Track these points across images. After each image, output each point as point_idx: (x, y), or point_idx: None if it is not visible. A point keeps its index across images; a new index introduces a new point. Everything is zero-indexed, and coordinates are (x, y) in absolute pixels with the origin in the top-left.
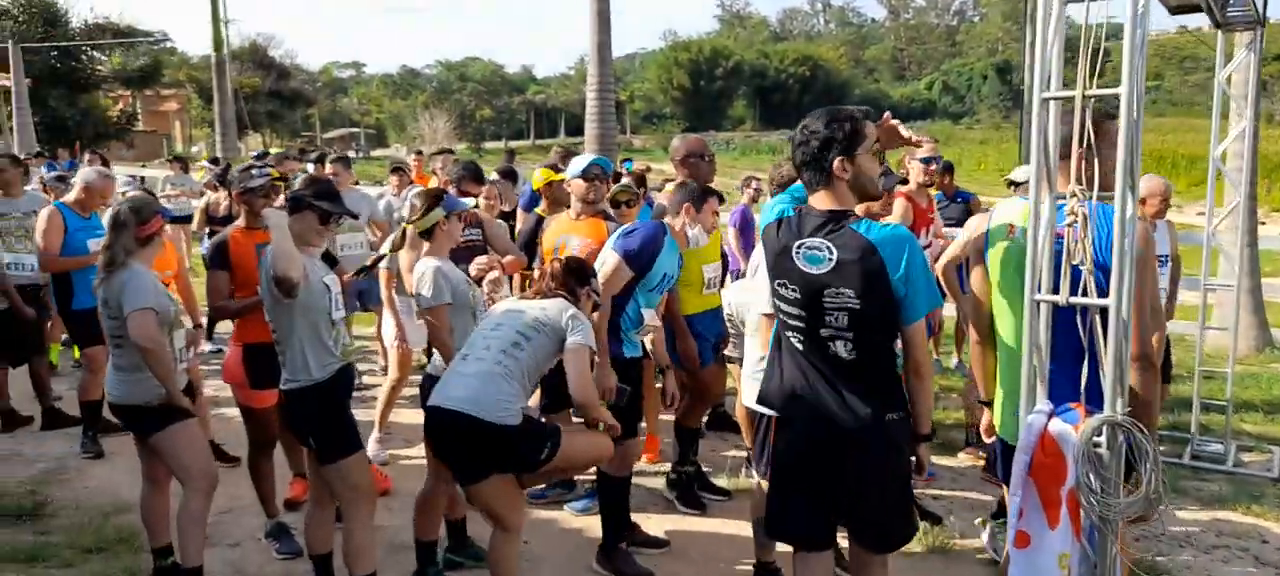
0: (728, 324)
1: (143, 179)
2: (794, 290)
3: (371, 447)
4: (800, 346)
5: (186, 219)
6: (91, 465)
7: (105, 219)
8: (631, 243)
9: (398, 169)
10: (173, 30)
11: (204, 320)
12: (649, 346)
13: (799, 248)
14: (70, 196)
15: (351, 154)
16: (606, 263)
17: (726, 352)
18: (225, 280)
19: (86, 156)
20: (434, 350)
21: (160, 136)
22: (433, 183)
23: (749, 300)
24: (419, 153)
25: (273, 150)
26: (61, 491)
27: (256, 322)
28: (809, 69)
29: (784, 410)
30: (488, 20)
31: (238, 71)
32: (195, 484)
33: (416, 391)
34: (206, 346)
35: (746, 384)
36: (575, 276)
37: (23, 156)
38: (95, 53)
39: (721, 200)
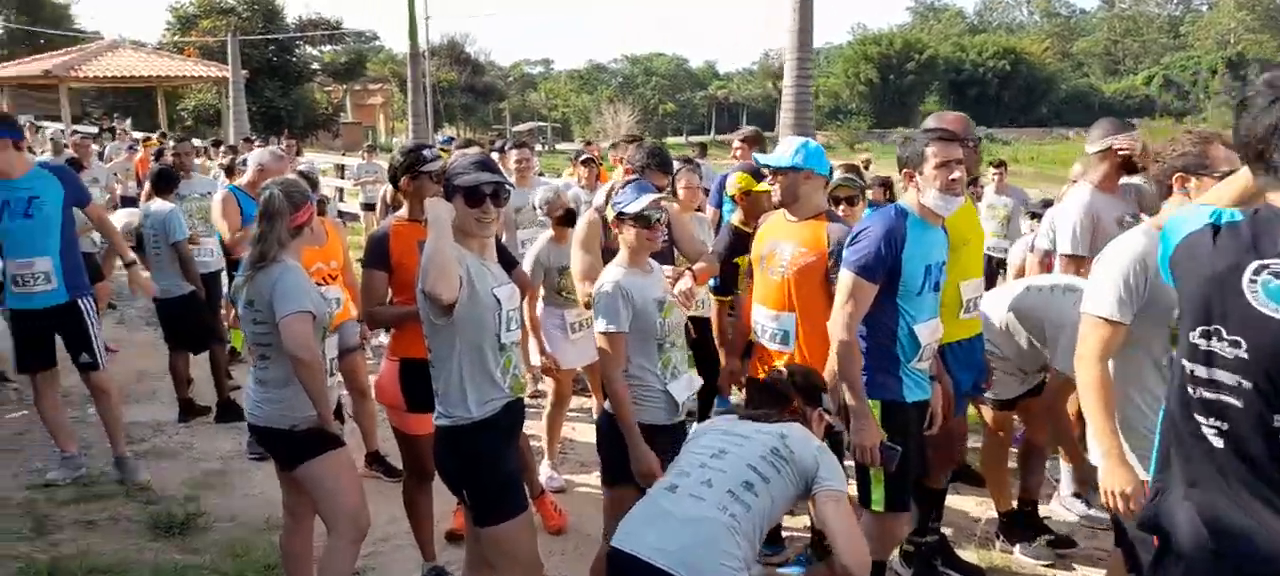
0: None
1: (342, 168)
2: (1236, 343)
3: (544, 472)
4: (1226, 442)
5: (371, 207)
6: (254, 470)
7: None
8: (862, 248)
9: (588, 161)
10: (381, 28)
11: None
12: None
13: (1259, 274)
14: (243, 179)
15: (538, 146)
16: (840, 285)
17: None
18: (383, 282)
19: (257, 142)
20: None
21: (364, 127)
22: (616, 175)
23: (1037, 305)
24: (588, 142)
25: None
26: (219, 500)
27: (415, 334)
28: (1010, 62)
29: (1191, 550)
30: (674, 13)
31: (436, 67)
32: (342, 530)
33: (589, 402)
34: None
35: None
36: (805, 394)
37: (238, 143)
38: (308, 47)
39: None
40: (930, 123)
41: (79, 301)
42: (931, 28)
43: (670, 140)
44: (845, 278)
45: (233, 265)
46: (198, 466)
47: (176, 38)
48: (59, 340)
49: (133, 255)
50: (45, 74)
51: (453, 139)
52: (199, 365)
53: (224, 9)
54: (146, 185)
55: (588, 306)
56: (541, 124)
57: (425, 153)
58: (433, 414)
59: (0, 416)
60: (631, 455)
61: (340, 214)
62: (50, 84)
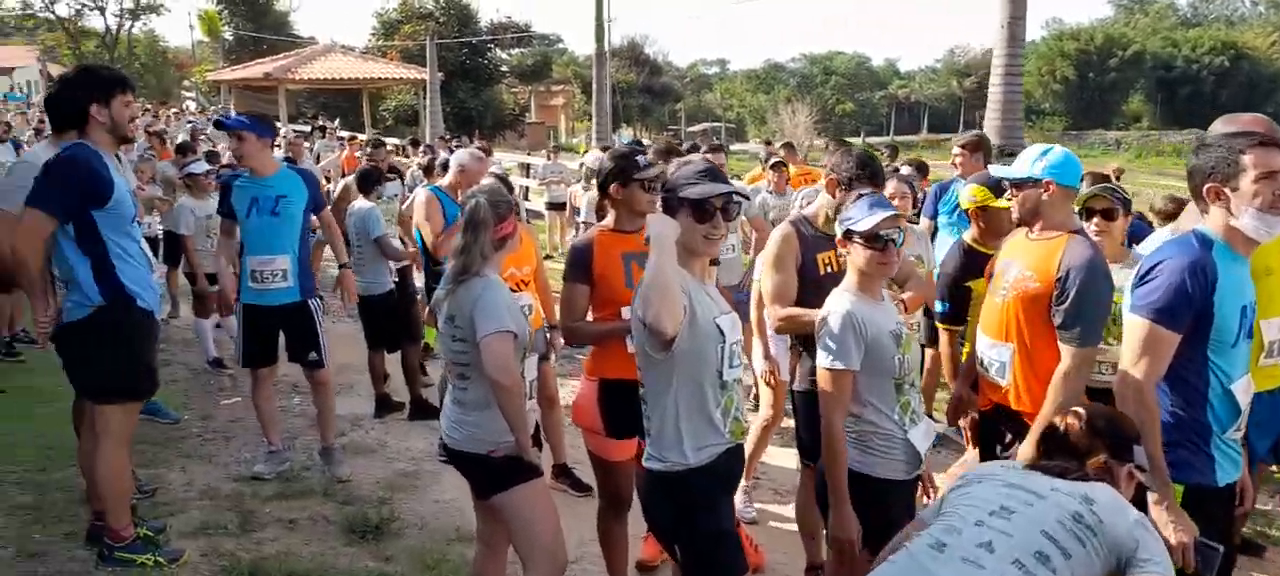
0: None
1: (527, 166)
2: None
3: (737, 500)
4: None
5: (555, 206)
6: (444, 474)
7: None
8: (1159, 286)
9: (778, 165)
10: (565, 31)
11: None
12: None
13: None
14: (445, 180)
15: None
16: (1129, 334)
17: None
18: (584, 296)
19: (453, 141)
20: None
21: (547, 128)
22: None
23: None
24: (768, 141)
25: (644, 140)
26: (411, 503)
27: (617, 353)
28: (1229, 58)
29: None
30: (854, 10)
31: (615, 68)
32: (538, 563)
33: (790, 424)
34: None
35: None
36: (1113, 444)
37: (434, 141)
38: (498, 50)
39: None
40: (1223, 126)
41: (309, 302)
42: (1137, 22)
43: (850, 140)
44: (1137, 326)
45: (433, 272)
46: (391, 466)
47: (381, 42)
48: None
49: (347, 258)
50: (265, 77)
51: (638, 143)
52: (396, 360)
53: (423, 14)
54: (338, 185)
55: (780, 331)
56: (716, 124)
57: (639, 158)
58: (635, 438)
59: (216, 402)
60: (833, 516)
61: (527, 213)
62: (270, 86)
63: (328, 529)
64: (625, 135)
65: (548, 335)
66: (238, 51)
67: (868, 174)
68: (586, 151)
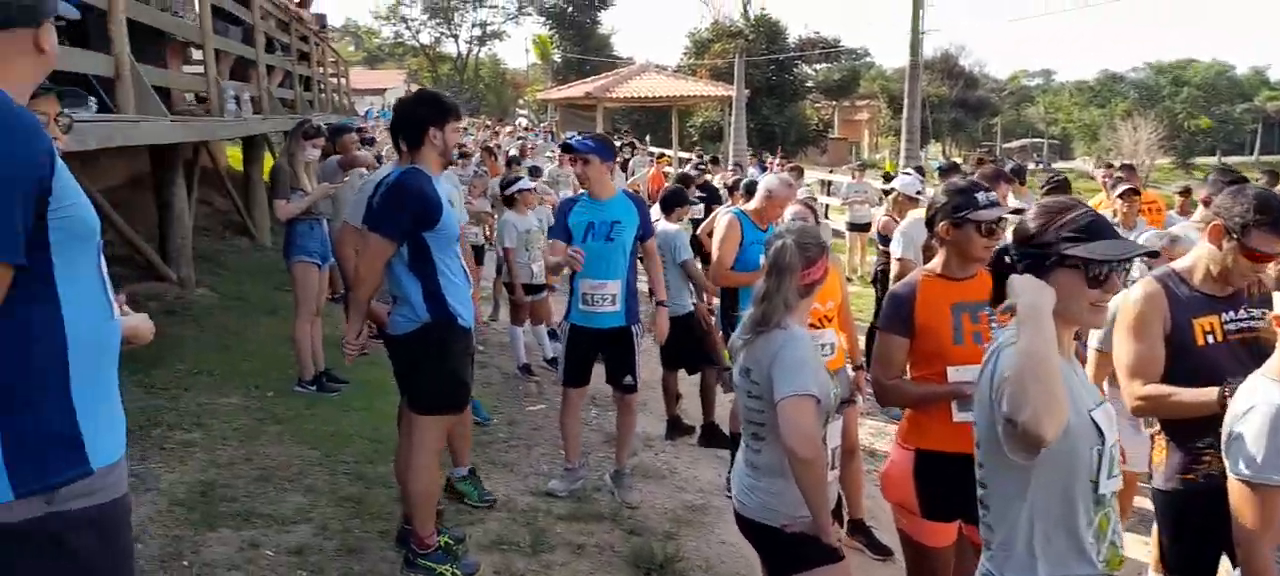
0: None
1: (828, 184)
2: None
3: None
4: None
5: (856, 227)
6: (731, 511)
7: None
8: None
9: (1129, 192)
10: (874, 45)
11: (863, 360)
12: None
13: None
14: (751, 205)
15: (1030, 165)
16: None
17: None
18: (902, 350)
19: (776, 161)
20: None
21: (850, 144)
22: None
23: None
24: (1109, 165)
25: (956, 160)
26: (697, 541)
27: (940, 421)
28: None
29: None
30: (1211, 13)
31: (927, 81)
32: None
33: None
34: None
35: None
36: None
37: (742, 159)
38: (804, 65)
39: None
40: None
41: (632, 327)
42: None
43: (1202, 161)
44: None
45: (731, 304)
46: (679, 497)
47: (692, 61)
48: None
49: (665, 293)
50: (586, 96)
51: (954, 165)
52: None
53: (734, 32)
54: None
55: (1139, 414)
56: (1037, 141)
57: (979, 195)
58: (955, 522)
59: (521, 407)
60: None
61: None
62: (590, 104)
63: (613, 559)
64: (933, 152)
65: (852, 374)
66: (565, 72)
67: (1272, 220)
68: (893, 170)
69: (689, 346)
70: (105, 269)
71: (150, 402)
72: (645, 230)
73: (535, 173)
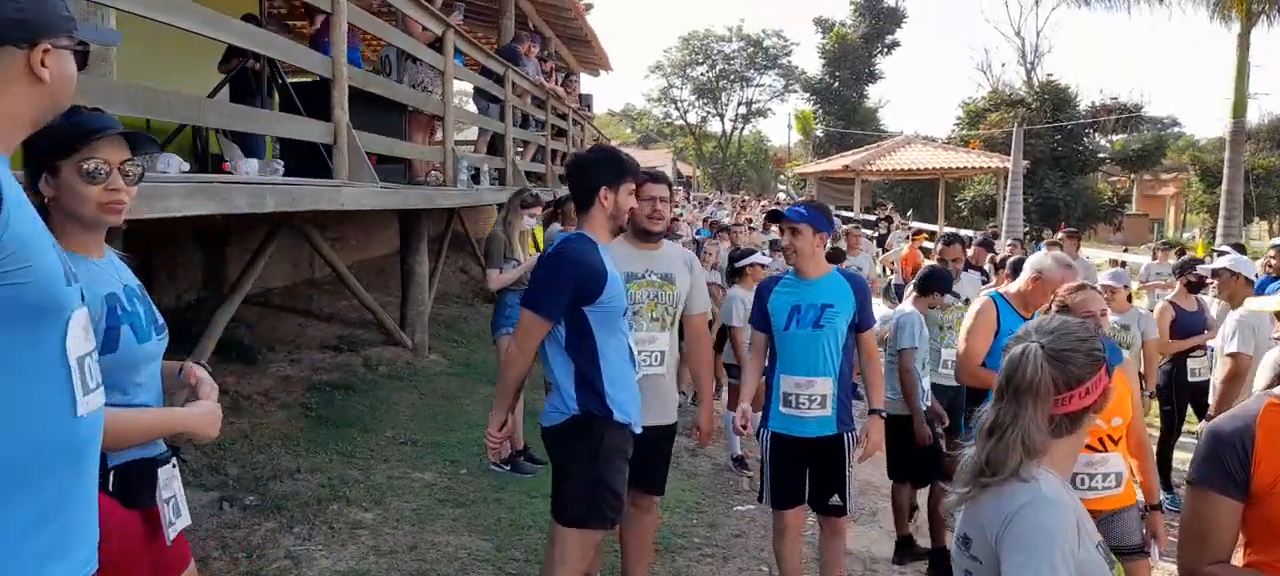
0: None
1: (1122, 265)
2: None
3: None
4: None
5: None
6: None
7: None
8: None
9: None
10: (1183, 113)
11: (1161, 498)
12: None
13: None
14: (1013, 285)
15: None
16: None
17: None
18: (1233, 517)
19: (1056, 235)
20: None
21: (1150, 221)
22: None
23: None
24: None
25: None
26: None
27: None
28: None
29: None
30: None
31: (1252, 150)
32: None
33: None
34: None
35: None
36: None
37: (1008, 238)
38: (1098, 134)
39: None
40: None
41: (846, 435)
42: None
43: None
44: None
45: (973, 398)
46: None
47: (964, 132)
48: None
49: (881, 403)
50: (844, 168)
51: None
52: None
53: (1014, 100)
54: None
55: None
56: None
57: None
58: None
59: (727, 506)
60: None
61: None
62: (848, 177)
63: None
64: (1257, 231)
65: (1142, 520)
66: (826, 146)
67: None
68: (1207, 251)
69: (919, 452)
70: (83, 352)
71: (343, 472)
72: (863, 318)
73: (775, 247)
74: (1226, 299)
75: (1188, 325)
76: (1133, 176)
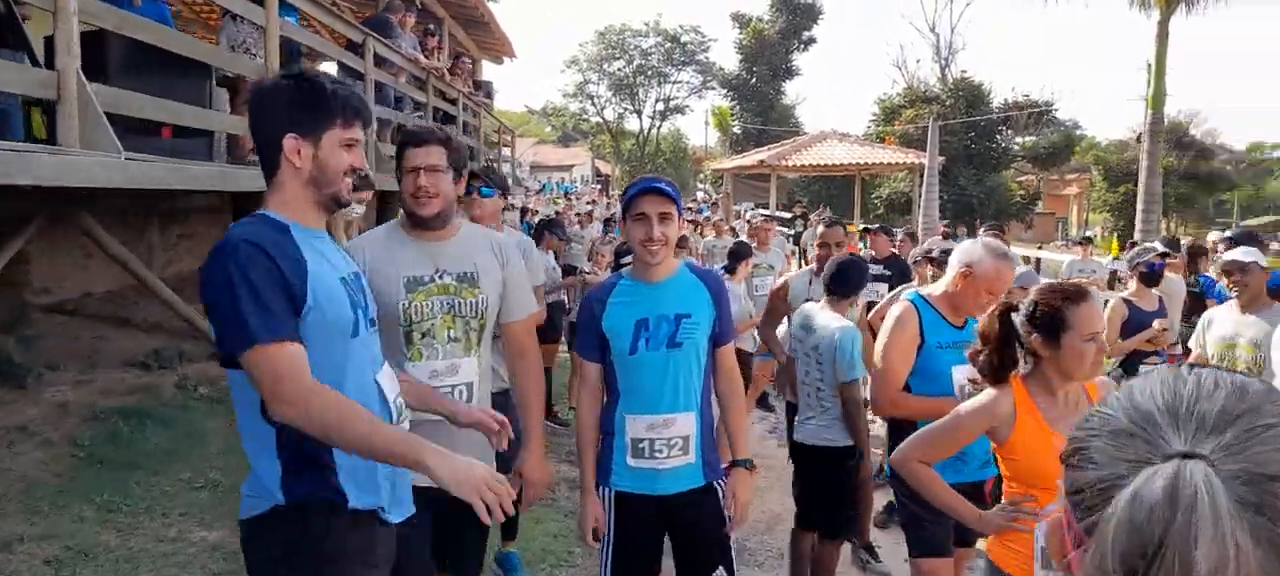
0: None
1: (1037, 263)
2: None
3: None
4: None
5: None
6: None
7: None
8: None
9: None
10: (1083, 117)
11: None
12: None
13: None
14: (937, 287)
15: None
16: None
17: None
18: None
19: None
20: None
21: (1056, 219)
22: None
23: None
24: None
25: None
26: None
27: None
28: None
29: None
30: None
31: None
32: None
33: None
34: None
35: None
36: None
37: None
38: (1009, 132)
39: None
40: None
41: (716, 485)
42: None
43: None
44: None
45: (897, 432)
46: None
47: (880, 128)
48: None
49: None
50: (759, 164)
51: (1173, 240)
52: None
53: (929, 98)
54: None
55: None
56: (1278, 218)
57: None
58: None
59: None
60: None
61: None
62: (764, 172)
63: None
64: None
65: None
66: (743, 143)
67: None
68: (1118, 253)
69: (833, 498)
70: None
71: (92, 537)
72: (722, 328)
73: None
74: (1247, 300)
75: (1142, 325)
76: (1041, 175)
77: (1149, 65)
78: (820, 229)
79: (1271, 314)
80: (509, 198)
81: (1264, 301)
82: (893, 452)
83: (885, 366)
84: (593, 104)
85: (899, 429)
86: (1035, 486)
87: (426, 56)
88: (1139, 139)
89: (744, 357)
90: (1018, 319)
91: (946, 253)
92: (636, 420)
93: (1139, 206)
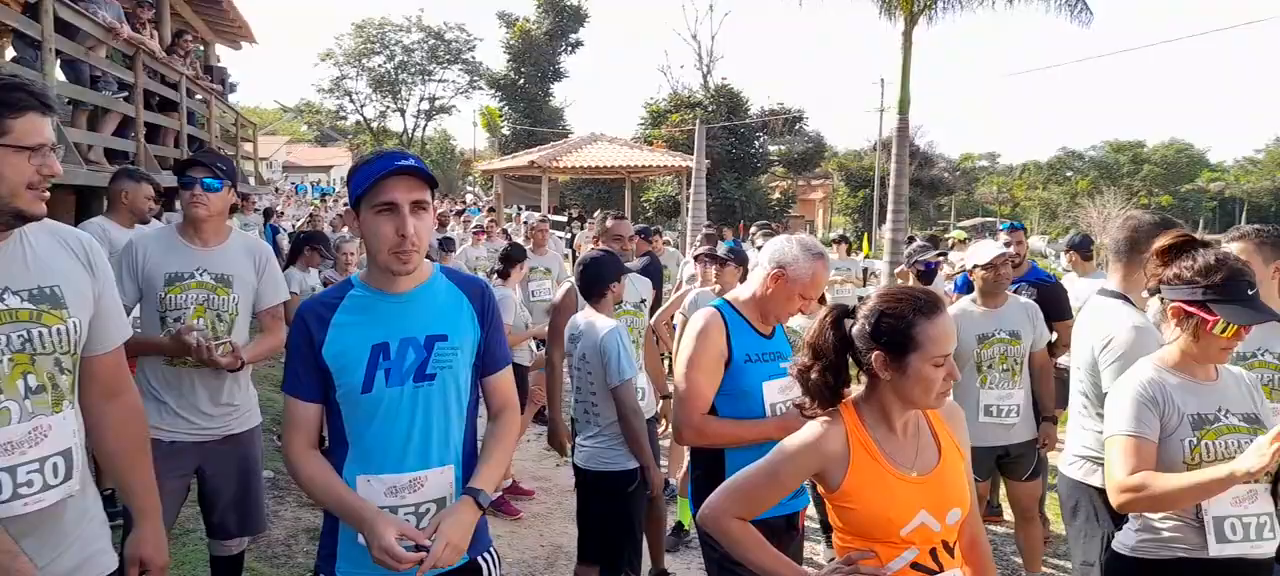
0: None
1: None
2: None
3: None
4: None
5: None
6: None
7: None
8: None
9: None
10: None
11: None
12: None
13: None
14: (743, 290)
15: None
16: None
17: None
18: None
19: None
20: None
21: (806, 221)
22: None
23: None
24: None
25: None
26: None
27: None
28: None
29: None
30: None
31: (883, 159)
32: None
33: None
34: None
35: None
36: None
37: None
38: (766, 138)
39: None
40: None
41: (482, 559)
42: None
43: None
44: None
45: (712, 472)
46: None
47: (648, 131)
48: None
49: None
50: (530, 165)
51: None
52: None
53: (692, 103)
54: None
55: None
56: (990, 220)
57: None
58: None
59: None
60: None
61: None
62: (535, 175)
63: None
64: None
65: None
66: (513, 145)
67: None
68: (868, 252)
69: (617, 530)
70: None
71: None
72: (490, 355)
73: (446, 246)
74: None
75: None
76: (791, 181)
77: (882, 81)
78: (609, 223)
79: (1011, 308)
80: (237, 189)
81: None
82: (699, 509)
83: (689, 387)
84: (351, 101)
85: (706, 459)
86: (874, 539)
87: (136, 29)
88: (876, 148)
89: (520, 373)
90: (856, 328)
91: (736, 252)
92: (373, 482)
93: (890, 206)
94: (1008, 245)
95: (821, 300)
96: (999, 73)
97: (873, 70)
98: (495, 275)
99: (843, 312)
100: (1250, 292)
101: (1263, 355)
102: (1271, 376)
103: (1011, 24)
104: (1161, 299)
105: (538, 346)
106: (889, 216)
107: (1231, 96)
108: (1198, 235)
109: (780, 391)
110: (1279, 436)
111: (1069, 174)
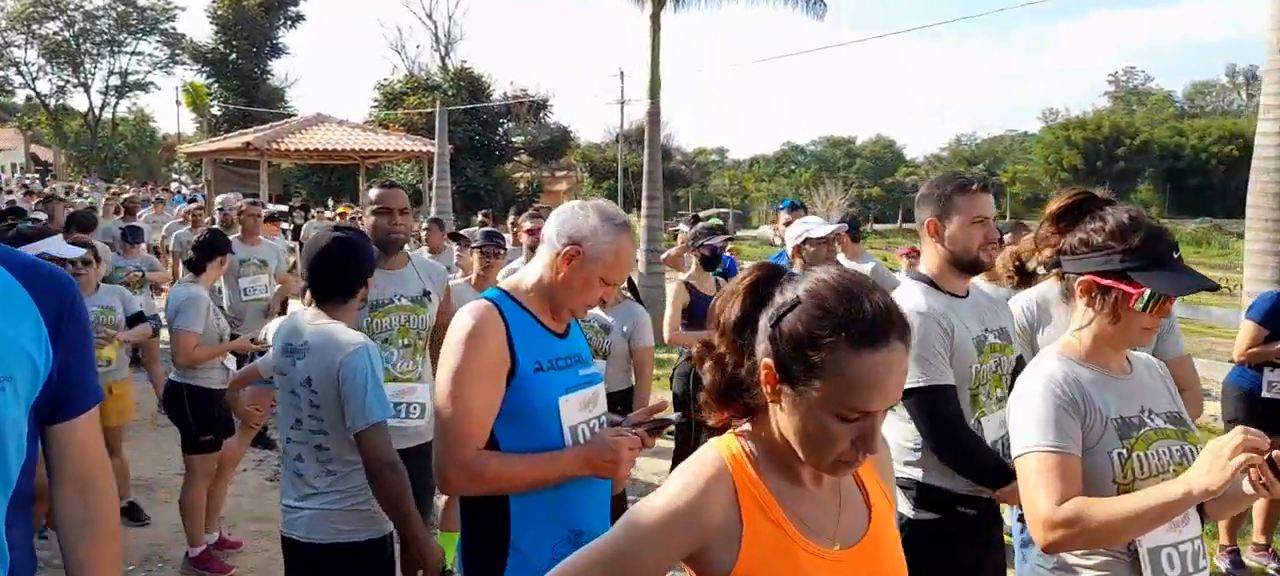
0: None
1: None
2: None
3: None
4: None
5: None
6: None
7: None
8: None
9: None
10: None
11: None
12: None
13: None
14: (529, 272)
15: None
16: None
17: None
18: None
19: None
20: None
21: (553, 210)
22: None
23: None
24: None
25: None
26: None
27: None
28: (1237, 148)
29: None
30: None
31: (628, 150)
32: None
33: None
34: None
35: None
36: None
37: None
38: (510, 125)
39: None
40: None
41: None
42: (1134, 113)
43: (880, 227)
44: None
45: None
46: None
47: (382, 114)
48: None
49: None
50: (246, 147)
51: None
52: None
53: (431, 86)
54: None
55: None
56: (724, 210)
57: None
58: None
59: None
60: None
61: None
62: (252, 159)
63: None
64: (632, 219)
65: None
66: (225, 126)
67: None
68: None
69: None
70: None
71: None
72: (73, 389)
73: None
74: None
75: (705, 309)
76: (535, 171)
77: (622, 73)
78: (373, 194)
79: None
80: None
81: None
82: None
83: (455, 411)
84: (20, 73)
85: (485, 516)
86: None
87: None
88: (617, 140)
89: (211, 399)
90: (766, 313)
91: (494, 237)
92: None
93: (644, 191)
94: (788, 224)
95: (632, 287)
96: (728, 63)
97: (615, 62)
98: (186, 267)
99: (772, 273)
100: (1176, 255)
101: (990, 338)
102: (996, 361)
103: (751, 16)
104: (1063, 274)
105: (241, 362)
106: (644, 203)
107: (921, 98)
108: (1098, 191)
109: (583, 408)
110: (1241, 446)
111: (793, 167)
